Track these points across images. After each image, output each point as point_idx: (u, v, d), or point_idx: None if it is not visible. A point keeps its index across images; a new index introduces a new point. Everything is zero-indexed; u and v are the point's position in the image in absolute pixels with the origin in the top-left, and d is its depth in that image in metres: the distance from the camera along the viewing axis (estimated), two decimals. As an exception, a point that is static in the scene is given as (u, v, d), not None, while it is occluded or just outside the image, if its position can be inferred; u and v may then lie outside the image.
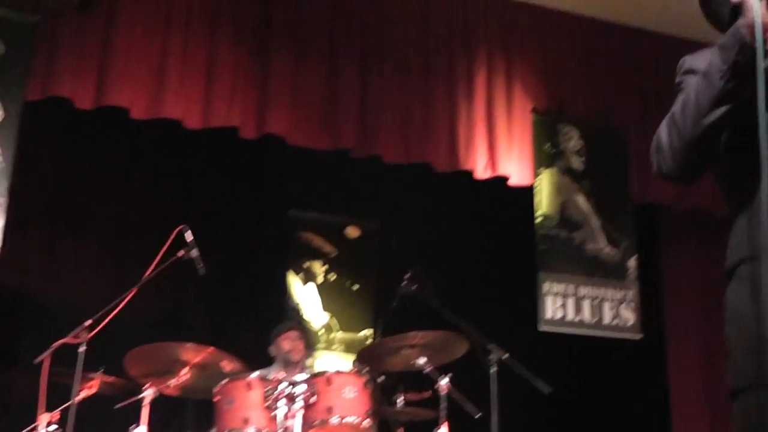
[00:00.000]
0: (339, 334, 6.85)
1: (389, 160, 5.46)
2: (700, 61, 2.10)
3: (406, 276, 5.24)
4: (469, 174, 5.58)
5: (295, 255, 6.87)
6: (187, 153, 6.11)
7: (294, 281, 6.83)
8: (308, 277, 6.88)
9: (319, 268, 6.92)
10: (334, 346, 6.82)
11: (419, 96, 5.51)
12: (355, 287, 6.96)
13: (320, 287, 6.89)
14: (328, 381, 4.61)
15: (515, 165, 5.63)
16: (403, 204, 6.57)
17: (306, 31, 5.30)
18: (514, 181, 5.62)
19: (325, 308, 6.86)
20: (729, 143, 2.01)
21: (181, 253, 4.69)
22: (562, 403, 5.38)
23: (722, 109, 1.94)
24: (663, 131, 2.02)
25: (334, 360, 6.75)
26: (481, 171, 5.55)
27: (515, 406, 5.28)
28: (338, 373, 4.71)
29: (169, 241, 4.60)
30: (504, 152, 5.60)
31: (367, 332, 6.86)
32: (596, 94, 5.79)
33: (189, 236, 4.65)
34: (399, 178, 5.88)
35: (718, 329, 2.09)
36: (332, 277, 6.93)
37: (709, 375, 5.98)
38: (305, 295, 6.84)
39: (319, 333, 6.81)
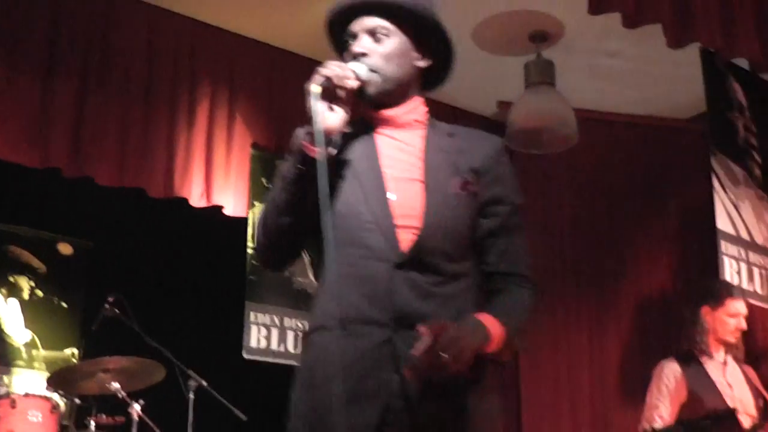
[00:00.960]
0: (42, 352, 6.60)
1: (102, 183, 5.32)
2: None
3: (109, 299, 5.17)
4: (185, 201, 5.53)
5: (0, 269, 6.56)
6: None
7: (-4, 296, 6.53)
8: (12, 292, 6.60)
9: (25, 283, 6.66)
10: (36, 364, 6.56)
11: (138, 121, 5.39)
12: (63, 305, 6.74)
13: (25, 303, 6.61)
14: (13, 403, 4.50)
15: (231, 196, 5.64)
16: (117, 225, 6.45)
17: (22, 44, 5.09)
18: (229, 211, 5.63)
19: (28, 325, 6.59)
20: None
21: None
22: (261, 430, 5.45)
23: (290, 217, 2.16)
24: (258, 232, 2.20)
25: (34, 378, 6.48)
26: (197, 199, 5.51)
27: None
28: (25, 395, 4.60)
29: None
30: (220, 183, 5.59)
31: (72, 351, 6.65)
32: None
33: None
34: (115, 199, 5.75)
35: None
36: (39, 293, 6.68)
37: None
38: (7, 311, 6.54)
39: (21, 350, 6.52)
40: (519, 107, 5.55)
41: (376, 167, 2.23)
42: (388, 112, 2.31)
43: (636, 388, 5.74)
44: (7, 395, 4.57)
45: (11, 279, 6.60)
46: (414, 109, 2.35)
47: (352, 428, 2.00)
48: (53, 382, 5.07)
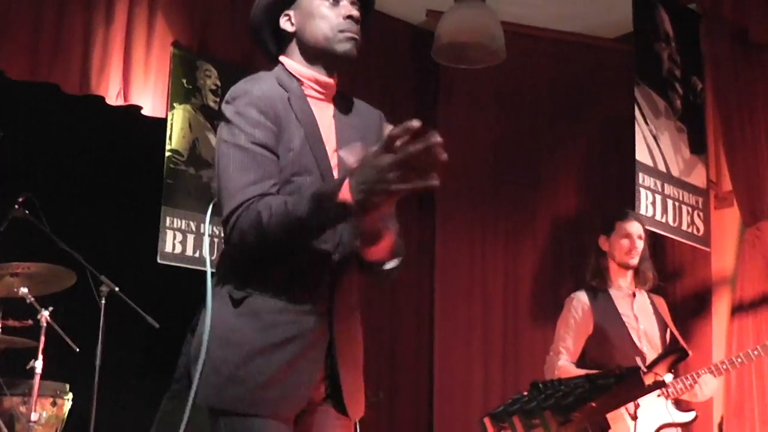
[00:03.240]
0: (-51, 245, 6.33)
1: (14, 77, 5.06)
2: (261, 96, 2.23)
3: (19, 199, 4.95)
4: (101, 99, 5.29)
5: None
6: None
7: None
8: None
9: (-67, 172, 6.33)
10: (-58, 256, 6.29)
11: (52, 15, 5.12)
12: (-31, 200, 6.44)
13: (-69, 193, 6.31)
14: None
15: (150, 96, 5.42)
16: (30, 118, 6.15)
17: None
18: (147, 112, 5.41)
19: (-65, 216, 6.30)
20: None
21: None
22: (174, 339, 5.35)
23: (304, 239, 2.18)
24: (249, 230, 2.12)
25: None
26: (114, 98, 5.29)
27: (124, 340, 5.19)
28: None
29: None
30: (139, 82, 5.36)
31: (-20, 245, 6.40)
32: (239, 36, 5.68)
33: None
34: (29, 90, 5.46)
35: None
36: (-53, 183, 6.37)
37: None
38: None
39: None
40: (447, 20, 5.39)
41: (319, 140, 2.30)
42: (331, 82, 2.38)
43: (547, 304, 5.81)
44: None
45: None
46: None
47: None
48: (-42, 283, 4.88)
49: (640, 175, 4.86)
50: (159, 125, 5.47)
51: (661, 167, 5.01)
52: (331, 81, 2.37)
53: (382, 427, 6.07)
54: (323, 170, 2.26)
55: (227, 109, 2.23)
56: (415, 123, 1.91)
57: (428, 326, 6.25)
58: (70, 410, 5.15)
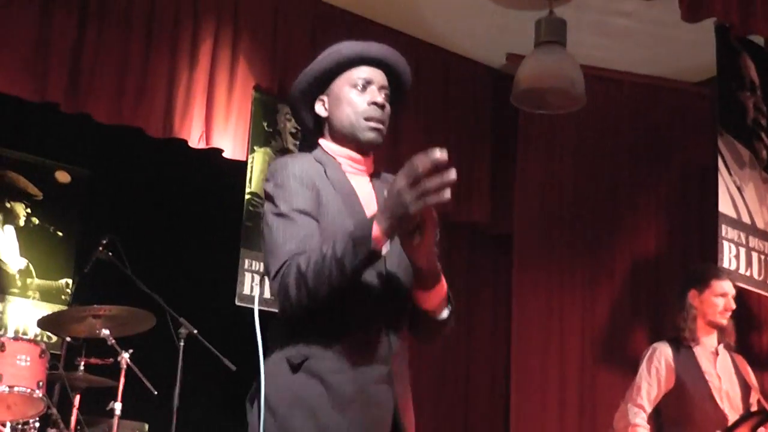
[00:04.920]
0: (36, 281, 6.46)
1: (100, 120, 5.14)
2: (299, 169, 2.31)
3: (102, 241, 5.01)
4: (184, 142, 5.34)
5: (-5, 194, 6.39)
6: None
7: (-9, 221, 6.36)
8: (8, 218, 6.43)
9: (21, 210, 6.49)
10: (30, 293, 6.43)
11: (138, 59, 5.20)
12: (59, 234, 6.58)
13: (20, 230, 6.45)
14: (2, 347, 4.46)
15: (231, 139, 5.45)
16: (115, 159, 6.26)
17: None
18: (228, 155, 5.44)
19: (24, 253, 6.44)
20: None
21: None
22: (251, 381, 5.35)
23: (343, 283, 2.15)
24: (291, 286, 2.14)
25: (27, 307, 6.35)
26: (196, 141, 5.34)
27: (201, 382, 5.21)
28: (14, 339, 4.55)
29: None
30: (220, 125, 5.40)
31: (66, 281, 6.51)
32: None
33: None
34: (115, 132, 5.55)
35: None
36: (35, 221, 6.51)
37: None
38: (2, 238, 6.38)
39: (15, 278, 6.38)
40: (527, 66, 5.32)
41: (358, 205, 2.35)
42: (367, 160, 2.46)
43: (624, 350, 5.66)
44: None
45: (7, 205, 6.44)
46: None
47: None
48: (44, 324, 4.96)
49: (723, 227, 4.69)
50: (239, 168, 5.50)
51: (746, 219, 4.84)
52: (363, 158, 2.45)
53: None
54: None
55: (267, 186, 2.31)
56: (437, 153, 2.01)
57: (504, 374, 6.15)
58: None
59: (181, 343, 4.88)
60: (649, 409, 4.32)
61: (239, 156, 5.49)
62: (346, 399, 2.18)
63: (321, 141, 2.46)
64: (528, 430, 5.86)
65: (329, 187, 2.31)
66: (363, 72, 2.40)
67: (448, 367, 6.29)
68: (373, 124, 2.38)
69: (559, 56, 5.28)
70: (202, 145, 5.37)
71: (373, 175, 2.48)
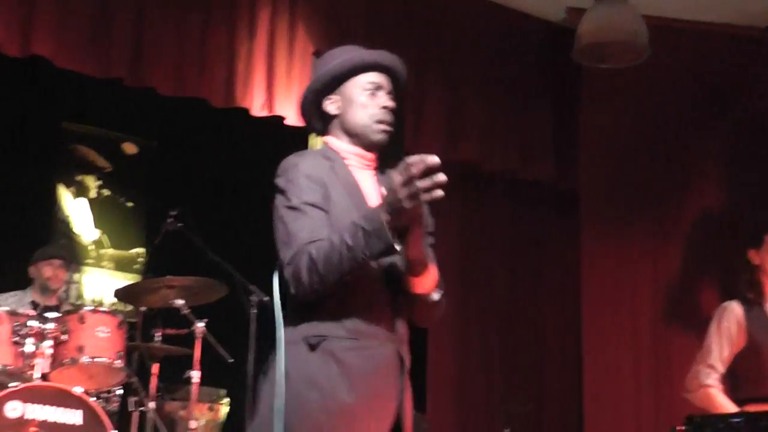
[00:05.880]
0: (109, 251, 6.60)
1: (163, 92, 5.20)
2: (308, 167, 2.46)
3: (172, 213, 5.07)
4: (246, 111, 5.38)
5: (66, 168, 6.52)
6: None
7: (65, 195, 6.50)
8: (80, 191, 6.59)
9: (92, 182, 6.63)
10: (104, 263, 6.59)
11: (198, 31, 5.24)
12: (129, 204, 6.69)
13: (92, 202, 6.59)
14: (82, 319, 4.54)
15: (292, 106, 5.45)
16: (180, 130, 6.32)
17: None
18: (291, 121, 5.46)
19: (97, 224, 6.59)
20: None
21: None
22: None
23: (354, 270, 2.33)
24: (303, 272, 2.30)
25: (102, 277, 6.49)
26: (258, 109, 5.37)
27: (274, 347, 5.26)
28: (93, 311, 4.65)
29: None
30: (282, 93, 5.43)
31: (138, 251, 6.63)
32: (376, 43, 5.65)
33: None
34: (179, 104, 5.62)
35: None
36: (106, 192, 6.64)
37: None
38: (76, 210, 6.53)
39: (89, 249, 6.51)
40: (588, 20, 5.21)
41: (362, 198, 2.51)
42: (372, 156, 2.62)
43: (696, 306, 5.59)
44: (77, 310, 4.57)
45: (78, 178, 6.58)
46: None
47: None
48: (120, 295, 5.06)
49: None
50: (301, 135, 5.51)
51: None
52: (370, 155, 2.61)
53: None
54: None
55: (279, 181, 2.48)
56: (430, 159, 2.18)
57: (576, 331, 6.11)
58: (228, 413, 5.30)
59: (253, 311, 4.94)
60: (721, 369, 4.25)
61: (301, 122, 5.49)
62: (359, 378, 2.34)
63: (327, 138, 2.62)
64: (602, 388, 5.83)
65: (336, 183, 2.47)
66: (373, 77, 2.59)
67: (519, 326, 6.29)
68: (383, 127, 2.56)
69: (621, 8, 5.15)
70: (264, 113, 5.40)
71: (377, 170, 2.64)
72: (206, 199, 5.97)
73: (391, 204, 2.22)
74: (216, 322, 4.93)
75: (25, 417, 4.05)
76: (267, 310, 4.99)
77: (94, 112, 6.41)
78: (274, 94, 5.41)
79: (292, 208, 2.40)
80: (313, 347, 2.35)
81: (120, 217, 6.63)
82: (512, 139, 6.11)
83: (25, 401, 4.08)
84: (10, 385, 4.13)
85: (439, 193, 2.19)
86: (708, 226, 5.90)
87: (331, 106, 2.58)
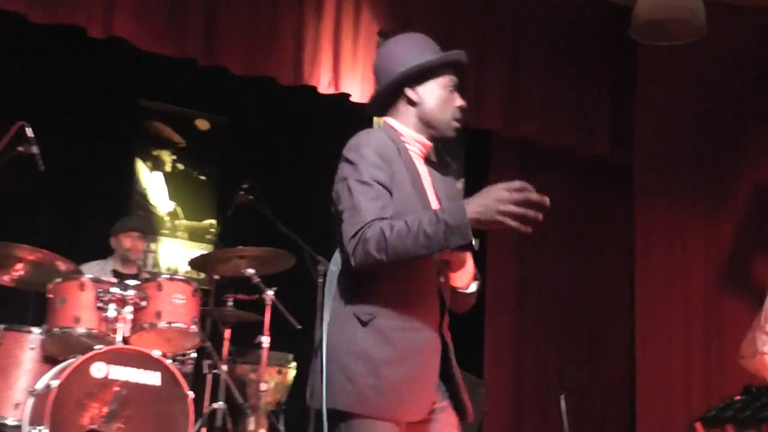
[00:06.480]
0: (183, 222, 6.80)
1: (235, 72, 5.37)
2: (380, 146, 2.49)
3: (243, 186, 5.23)
4: (313, 89, 5.52)
5: (144, 143, 6.71)
6: (34, 47, 5.80)
7: (142, 169, 6.70)
8: (156, 165, 6.76)
9: (167, 157, 6.80)
10: (179, 233, 6.77)
11: (267, 12, 5.40)
12: (202, 178, 6.88)
13: (167, 176, 6.78)
14: (159, 286, 4.61)
15: (358, 84, 5.61)
16: (250, 106, 6.49)
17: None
18: (356, 98, 5.61)
19: (172, 197, 6.77)
20: None
21: (20, 149, 4.49)
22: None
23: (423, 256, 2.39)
24: (371, 246, 2.34)
25: (177, 247, 6.71)
26: (325, 87, 5.52)
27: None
28: (170, 279, 4.75)
29: (8, 138, 4.45)
30: (348, 71, 5.57)
31: (210, 222, 6.83)
32: (436, 21, 5.78)
33: (29, 132, 4.46)
34: (249, 82, 5.78)
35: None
36: (180, 166, 6.83)
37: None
38: (152, 183, 6.73)
39: (165, 220, 6.73)
40: (646, -2, 5.21)
41: (421, 185, 2.57)
42: (429, 144, 2.67)
43: (749, 278, 5.60)
44: (154, 278, 4.70)
45: (155, 153, 6.75)
46: None
47: None
48: (194, 265, 5.23)
49: None
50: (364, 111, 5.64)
51: None
52: (429, 144, 2.66)
53: (587, 405, 6.08)
54: (426, 209, 2.50)
55: (350, 154, 2.49)
56: (544, 198, 2.27)
57: (629, 300, 6.17)
58: (295, 377, 5.46)
59: (320, 280, 5.09)
60: None
61: (366, 99, 5.62)
62: (405, 356, 2.41)
63: (390, 121, 2.64)
64: (654, 355, 5.87)
65: (401, 167, 2.51)
66: (453, 76, 2.65)
67: (574, 295, 6.36)
68: (456, 125, 2.64)
69: (679, -14, 5.16)
70: (330, 91, 5.54)
71: (427, 159, 2.67)
72: (275, 173, 6.10)
73: (483, 211, 2.27)
74: (284, 290, 5.05)
75: (109, 377, 4.18)
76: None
77: (170, 91, 6.58)
78: (340, 73, 5.55)
79: (362, 182, 2.42)
80: (364, 323, 2.40)
81: (193, 189, 6.81)
82: (570, 115, 6.17)
83: (109, 363, 4.20)
84: (95, 347, 4.27)
85: (527, 229, 2.27)
86: (761, 198, 5.88)
87: (413, 93, 2.60)
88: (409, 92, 2.61)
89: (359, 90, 5.60)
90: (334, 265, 2.50)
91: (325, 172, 6.61)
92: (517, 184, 2.27)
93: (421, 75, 2.60)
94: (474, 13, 6.03)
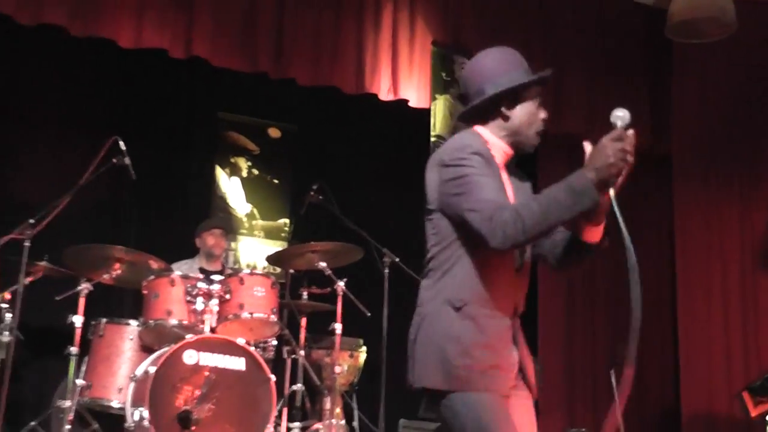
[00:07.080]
0: (260, 222, 7.16)
1: (302, 83, 5.68)
2: (484, 149, 2.58)
3: (314, 187, 5.52)
4: (374, 96, 5.84)
5: (222, 152, 7.08)
6: (125, 69, 6.21)
7: (221, 175, 7.07)
8: (234, 171, 7.12)
9: (243, 163, 7.16)
10: (256, 232, 7.13)
11: (330, 27, 5.69)
12: (275, 182, 7.23)
13: (244, 181, 7.14)
14: (241, 281, 4.90)
15: (414, 90, 5.89)
16: (317, 115, 6.81)
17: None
18: (413, 104, 5.89)
19: (248, 199, 7.12)
20: None
21: (114, 160, 4.85)
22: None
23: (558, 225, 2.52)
24: (509, 225, 2.44)
25: (254, 244, 7.08)
26: (385, 94, 5.80)
27: (405, 301, 5.70)
28: (250, 274, 5.00)
29: (104, 151, 4.79)
30: (405, 78, 5.84)
31: (284, 221, 7.18)
32: (486, 30, 6.04)
33: (122, 145, 4.81)
34: (316, 92, 6.08)
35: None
36: (255, 172, 7.18)
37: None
38: (231, 187, 7.10)
39: (243, 220, 7.11)
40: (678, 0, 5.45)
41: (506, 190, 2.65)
42: (512, 153, 2.73)
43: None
44: (236, 273, 4.97)
45: (232, 160, 7.12)
46: None
47: None
48: (271, 260, 5.56)
49: None
50: (423, 115, 5.95)
51: None
52: (512, 152, 2.72)
53: (635, 378, 6.25)
54: None
55: (461, 153, 2.57)
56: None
57: (671, 282, 6.33)
58: (365, 360, 5.75)
59: (386, 270, 5.35)
60: None
61: (423, 104, 5.93)
62: (492, 340, 2.56)
63: (480, 129, 2.70)
64: (696, 331, 6.04)
65: (496, 169, 2.61)
66: (540, 92, 2.73)
67: (621, 277, 6.55)
68: (539, 138, 2.72)
69: (709, -14, 5.37)
70: (390, 97, 5.80)
71: (506, 165, 2.73)
72: (340, 174, 6.34)
73: (599, 163, 2.37)
74: (354, 281, 5.31)
75: (200, 363, 4.44)
76: (398, 269, 5.46)
77: (244, 103, 6.91)
78: (398, 81, 5.82)
79: (484, 175, 2.52)
80: (457, 309, 2.55)
81: (267, 192, 7.15)
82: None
83: (199, 350, 4.46)
84: (186, 337, 4.53)
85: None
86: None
87: (508, 111, 2.66)
88: (504, 110, 2.67)
89: (416, 96, 5.88)
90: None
91: (385, 171, 6.96)
92: (615, 133, 2.38)
93: (518, 95, 2.67)
94: (520, 19, 6.27)
